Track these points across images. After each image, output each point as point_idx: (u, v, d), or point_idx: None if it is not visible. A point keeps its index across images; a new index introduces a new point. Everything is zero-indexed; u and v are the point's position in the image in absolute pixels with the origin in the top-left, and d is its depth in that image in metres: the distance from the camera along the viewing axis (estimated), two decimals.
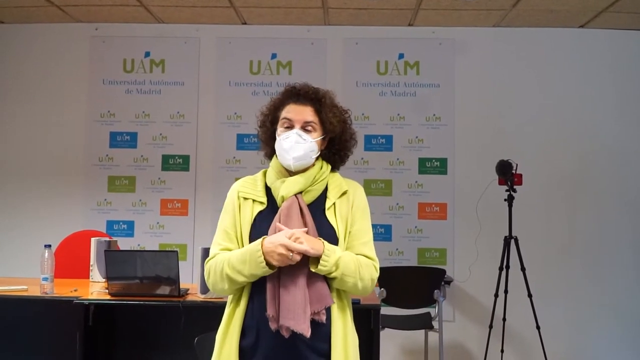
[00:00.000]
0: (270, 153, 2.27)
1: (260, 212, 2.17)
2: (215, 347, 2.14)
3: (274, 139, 2.22)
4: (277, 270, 2.04)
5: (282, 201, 2.13)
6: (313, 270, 2.04)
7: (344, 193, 2.22)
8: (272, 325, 2.03)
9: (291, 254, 1.98)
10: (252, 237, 2.11)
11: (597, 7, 4.92)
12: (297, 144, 2.14)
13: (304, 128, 2.18)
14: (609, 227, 5.33)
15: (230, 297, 2.18)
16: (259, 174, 2.28)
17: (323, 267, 2.03)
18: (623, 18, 5.13)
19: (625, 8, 4.90)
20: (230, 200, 2.23)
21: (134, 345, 3.71)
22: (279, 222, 2.08)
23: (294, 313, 2.01)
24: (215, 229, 2.23)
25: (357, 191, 2.25)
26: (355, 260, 2.11)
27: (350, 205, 2.21)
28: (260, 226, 2.13)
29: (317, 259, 2.04)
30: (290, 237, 1.99)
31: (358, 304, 3.16)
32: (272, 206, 2.17)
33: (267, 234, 2.07)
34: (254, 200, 2.19)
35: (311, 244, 2.02)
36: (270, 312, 2.03)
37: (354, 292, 2.14)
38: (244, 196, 2.20)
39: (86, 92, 5.56)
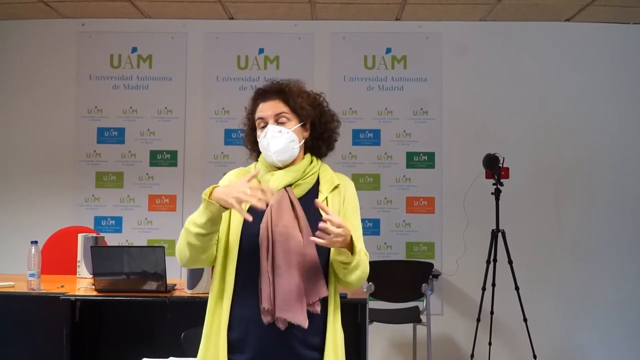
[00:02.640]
0: (257, 157, 2.27)
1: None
2: (202, 341, 2.11)
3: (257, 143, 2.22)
4: (270, 262, 2.02)
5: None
6: (341, 259, 2.04)
7: (336, 187, 2.21)
8: (266, 319, 2.01)
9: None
10: (244, 230, 2.10)
11: (582, 0, 4.94)
12: (273, 138, 2.13)
13: (277, 121, 2.17)
14: (596, 219, 5.36)
15: (212, 291, 2.15)
16: (252, 167, 2.28)
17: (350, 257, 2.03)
18: (609, 11, 5.14)
19: (611, 1, 4.92)
20: None
21: (121, 341, 3.70)
22: (270, 215, 2.07)
23: (290, 304, 1.99)
24: None
25: (348, 186, 2.25)
26: (365, 255, 2.12)
27: (342, 200, 2.20)
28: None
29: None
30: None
31: (345, 298, 3.17)
32: None
33: (258, 228, 2.06)
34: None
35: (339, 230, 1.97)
36: (265, 304, 2.00)
37: (351, 283, 2.13)
38: None
39: (73, 88, 5.54)
